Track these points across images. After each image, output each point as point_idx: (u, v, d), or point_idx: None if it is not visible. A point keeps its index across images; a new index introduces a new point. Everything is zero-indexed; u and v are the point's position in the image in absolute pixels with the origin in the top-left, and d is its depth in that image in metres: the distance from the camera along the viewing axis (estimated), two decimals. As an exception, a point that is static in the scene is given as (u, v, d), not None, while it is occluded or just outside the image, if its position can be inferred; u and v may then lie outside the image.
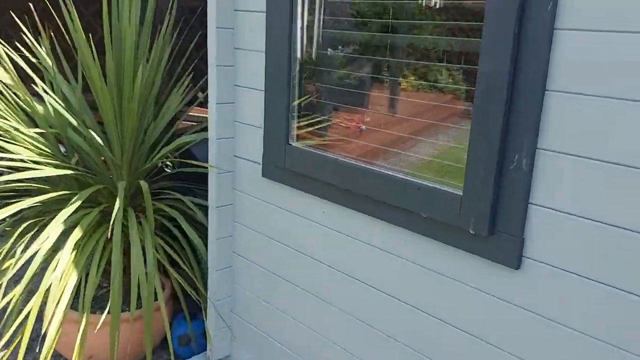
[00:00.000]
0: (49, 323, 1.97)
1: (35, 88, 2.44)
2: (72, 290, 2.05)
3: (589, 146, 1.24)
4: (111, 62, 2.20)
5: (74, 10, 2.22)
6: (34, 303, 1.98)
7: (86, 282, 2.12)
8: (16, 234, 2.16)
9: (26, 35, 2.53)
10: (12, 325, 2.02)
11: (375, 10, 1.70)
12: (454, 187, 1.52)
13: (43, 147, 2.42)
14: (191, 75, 2.68)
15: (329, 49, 1.89)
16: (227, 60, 2.15)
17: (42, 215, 2.35)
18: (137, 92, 2.21)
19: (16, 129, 2.34)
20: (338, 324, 1.95)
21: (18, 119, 2.43)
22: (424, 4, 1.57)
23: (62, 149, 2.55)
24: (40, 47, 2.52)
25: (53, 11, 2.49)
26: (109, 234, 2.10)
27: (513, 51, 1.29)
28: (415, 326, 1.69)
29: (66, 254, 2.06)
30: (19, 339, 2.01)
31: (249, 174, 2.21)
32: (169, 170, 2.81)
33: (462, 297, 1.55)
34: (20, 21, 2.70)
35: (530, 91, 1.30)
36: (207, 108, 2.24)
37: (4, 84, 2.42)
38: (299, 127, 2.00)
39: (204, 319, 2.47)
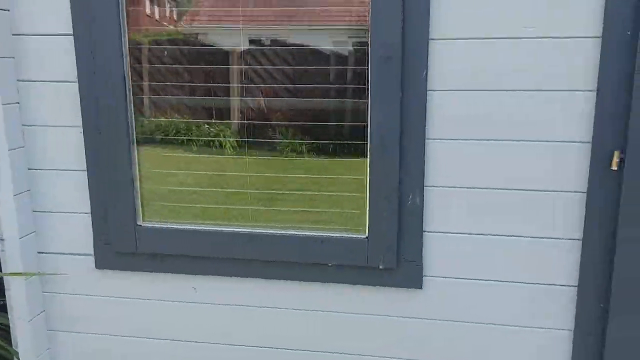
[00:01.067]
0: None
1: None
2: None
3: (460, 178, 1.59)
4: None
5: None
6: None
7: None
8: None
9: None
10: None
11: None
12: (351, 232, 1.68)
13: None
14: None
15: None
16: (17, 138, 1.75)
17: None
18: None
19: None
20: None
21: None
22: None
23: None
24: None
25: None
26: None
27: (400, 110, 1.54)
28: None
29: None
30: None
31: (73, 269, 1.84)
32: None
33: (378, 328, 1.72)
34: None
35: (414, 141, 1.58)
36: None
37: None
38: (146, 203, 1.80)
39: None
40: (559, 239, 1.58)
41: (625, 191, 1.48)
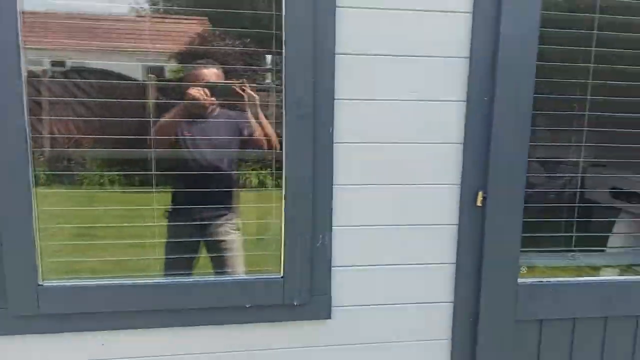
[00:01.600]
0: None
1: None
2: None
3: (361, 218, 1.83)
4: None
5: None
6: None
7: None
8: None
9: None
10: None
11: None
12: (267, 273, 1.81)
13: None
14: None
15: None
16: None
17: None
18: None
19: None
20: None
21: None
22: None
23: None
24: None
25: None
26: None
27: (312, 161, 1.73)
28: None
29: None
30: None
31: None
32: None
33: (298, 359, 1.86)
34: None
35: (324, 187, 1.77)
36: None
37: None
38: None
39: None
40: (441, 263, 1.90)
41: (487, 223, 1.86)
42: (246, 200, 1.95)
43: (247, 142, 1.97)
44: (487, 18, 1.75)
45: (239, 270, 2.02)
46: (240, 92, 1.84)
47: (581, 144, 2.00)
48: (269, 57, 1.80)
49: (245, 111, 1.93)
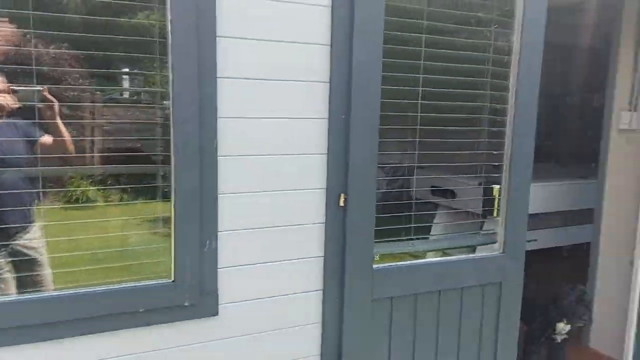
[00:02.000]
0: None
1: None
2: None
3: (242, 222, 2.06)
4: None
5: None
6: None
7: None
8: None
9: None
10: None
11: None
12: (159, 278, 1.95)
13: None
14: None
15: None
16: None
17: None
18: None
19: None
20: None
21: None
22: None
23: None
24: None
25: None
26: None
27: (199, 168, 1.92)
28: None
29: None
30: None
31: None
32: None
33: (191, 356, 2.02)
34: None
35: (209, 197, 1.97)
36: None
37: None
38: None
39: None
40: (312, 257, 2.21)
41: (348, 220, 2.22)
42: (135, 212, 2.06)
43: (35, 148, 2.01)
44: (343, 49, 2.10)
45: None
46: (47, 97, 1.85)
47: (414, 152, 2.45)
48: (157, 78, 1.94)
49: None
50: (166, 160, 1.90)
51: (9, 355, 1.75)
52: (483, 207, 2.96)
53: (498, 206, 2.63)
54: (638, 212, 3.30)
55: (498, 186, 2.63)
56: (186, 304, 1.96)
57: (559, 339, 3.32)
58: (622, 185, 3.49)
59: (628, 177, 3.45)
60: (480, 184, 3.47)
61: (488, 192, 2.70)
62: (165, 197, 1.94)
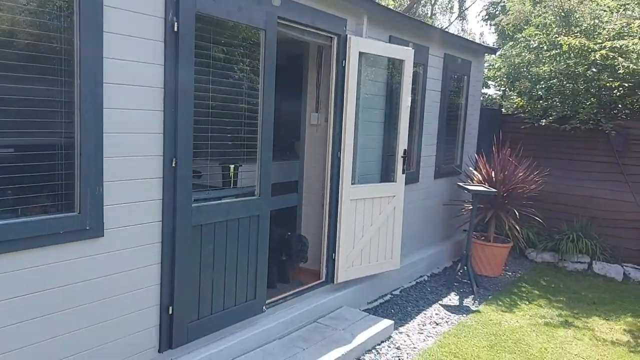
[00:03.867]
0: None
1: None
2: None
3: (121, 176, 3.22)
4: None
5: None
6: None
7: None
8: None
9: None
10: None
11: None
12: (69, 213, 2.98)
13: None
14: None
15: None
16: None
17: None
18: None
19: None
20: None
21: None
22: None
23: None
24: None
25: None
26: None
27: (94, 144, 3.03)
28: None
29: None
30: None
31: None
32: None
33: (82, 270, 3.06)
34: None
35: (98, 159, 3.09)
36: None
37: None
38: None
39: None
40: (155, 199, 3.47)
41: (177, 175, 3.56)
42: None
43: None
44: (171, 69, 3.45)
45: None
46: None
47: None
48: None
49: None
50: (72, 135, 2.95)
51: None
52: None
53: (235, 178, 4.32)
54: (324, 180, 5.41)
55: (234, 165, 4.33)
56: (87, 227, 3.03)
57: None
58: (313, 161, 5.61)
59: (318, 157, 5.59)
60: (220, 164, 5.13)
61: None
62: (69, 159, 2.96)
